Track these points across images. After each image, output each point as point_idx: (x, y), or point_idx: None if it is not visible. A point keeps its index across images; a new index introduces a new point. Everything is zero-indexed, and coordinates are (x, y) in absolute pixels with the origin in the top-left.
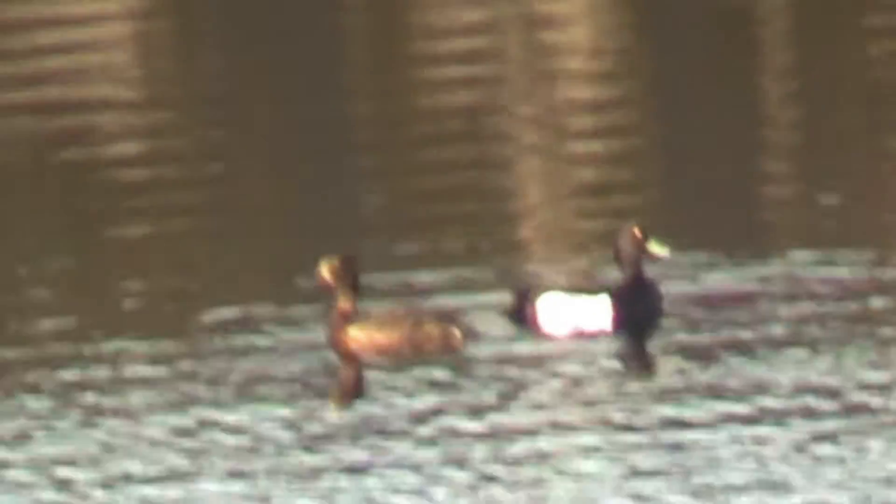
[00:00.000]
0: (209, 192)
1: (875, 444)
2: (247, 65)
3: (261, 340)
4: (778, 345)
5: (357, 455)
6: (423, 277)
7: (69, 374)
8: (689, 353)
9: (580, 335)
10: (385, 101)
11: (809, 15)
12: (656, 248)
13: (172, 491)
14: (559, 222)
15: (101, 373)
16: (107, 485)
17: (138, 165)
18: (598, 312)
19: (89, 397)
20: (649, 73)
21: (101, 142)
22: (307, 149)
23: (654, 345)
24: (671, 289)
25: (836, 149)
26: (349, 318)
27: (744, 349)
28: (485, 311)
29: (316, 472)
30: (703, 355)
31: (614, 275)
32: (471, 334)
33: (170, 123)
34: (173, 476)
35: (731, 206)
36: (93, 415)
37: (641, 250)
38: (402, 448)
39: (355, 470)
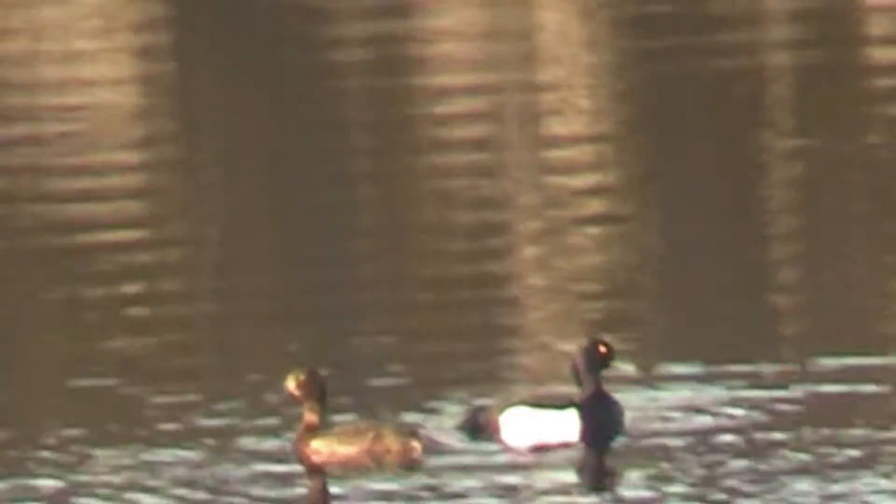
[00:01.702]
0: (187, 279)
1: None
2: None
3: (229, 449)
4: (743, 462)
5: None
6: (389, 384)
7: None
8: (649, 466)
9: (543, 448)
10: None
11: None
12: (617, 364)
13: None
14: (529, 336)
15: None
16: None
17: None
18: (564, 425)
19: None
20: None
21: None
22: (302, 245)
23: (614, 458)
24: (633, 402)
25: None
26: (314, 431)
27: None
28: (444, 425)
29: None
30: (665, 469)
31: (575, 389)
32: (431, 447)
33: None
34: None
35: (711, 319)
36: None
37: (602, 365)
38: None
39: None
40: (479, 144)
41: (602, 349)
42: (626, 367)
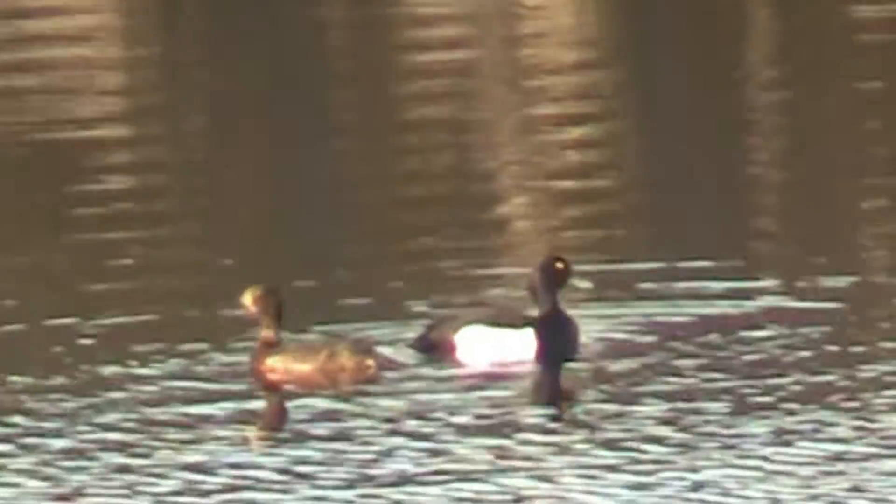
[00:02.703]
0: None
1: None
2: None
3: (187, 369)
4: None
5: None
6: (347, 307)
7: None
8: (603, 387)
9: (499, 367)
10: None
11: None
12: (578, 281)
13: None
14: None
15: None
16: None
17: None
18: (521, 345)
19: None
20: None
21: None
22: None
23: (568, 378)
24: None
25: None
26: (271, 348)
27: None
28: (399, 343)
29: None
30: (616, 392)
31: (532, 307)
32: (386, 365)
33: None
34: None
35: (683, 231)
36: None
37: (558, 283)
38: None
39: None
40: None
41: (559, 266)
42: (588, 283)
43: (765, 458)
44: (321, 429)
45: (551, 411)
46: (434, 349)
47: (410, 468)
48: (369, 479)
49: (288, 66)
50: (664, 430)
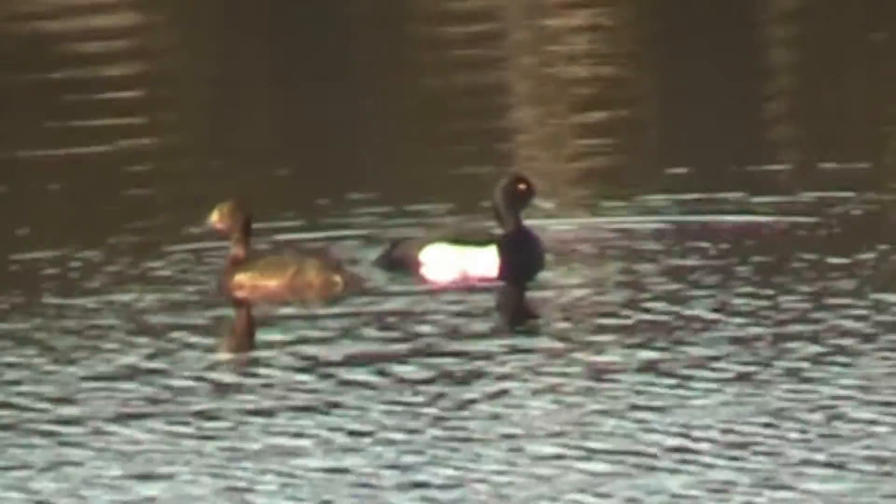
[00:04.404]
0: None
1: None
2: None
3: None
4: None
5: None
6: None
7: None
8: (568, 304)
9: (463, 284)
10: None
11: None
12: (542, 200)
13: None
14: (449, 170)
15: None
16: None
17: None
18: (484, 262)
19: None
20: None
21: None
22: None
23: (533, 293)
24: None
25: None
26: (239, 264)
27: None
28: (364, 261)
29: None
30: (585, 304)
31: (495, 226)
32: (353, 282)
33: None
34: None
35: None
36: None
37: (521, 203)
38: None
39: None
40: None
41: (521, 186)
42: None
43: (759, 372)
44: (287, 344)
45: (513, 328)
46: (398, 267)
47: (373, 379)
48: (335, 393)
49: None
50: (625, 341)
